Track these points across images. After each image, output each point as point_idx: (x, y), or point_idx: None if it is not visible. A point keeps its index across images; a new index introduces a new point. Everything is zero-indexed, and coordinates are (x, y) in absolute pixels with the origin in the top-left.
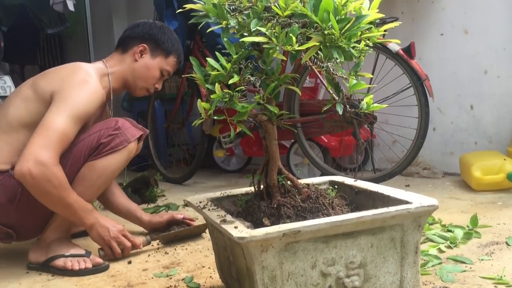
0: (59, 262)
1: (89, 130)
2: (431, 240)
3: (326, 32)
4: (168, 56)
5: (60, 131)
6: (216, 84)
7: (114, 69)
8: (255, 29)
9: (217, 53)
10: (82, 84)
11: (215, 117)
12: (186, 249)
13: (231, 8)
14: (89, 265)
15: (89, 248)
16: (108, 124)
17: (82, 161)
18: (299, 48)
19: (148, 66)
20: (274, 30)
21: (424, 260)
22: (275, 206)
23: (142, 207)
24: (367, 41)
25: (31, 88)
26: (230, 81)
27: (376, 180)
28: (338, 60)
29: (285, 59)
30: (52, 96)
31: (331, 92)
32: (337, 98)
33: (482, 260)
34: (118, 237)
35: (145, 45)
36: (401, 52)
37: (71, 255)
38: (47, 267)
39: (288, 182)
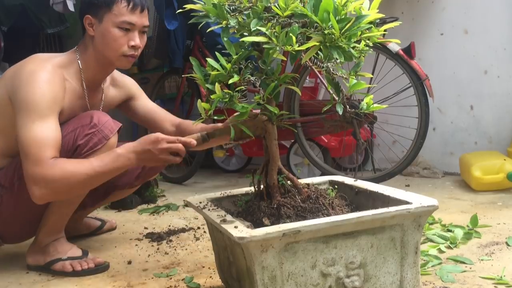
0: (58, 266)
1: (64, 128)
2: (431, 240)
3: (326, 32)
4: (112, 7)
5: (36, 141)
6: (216, 84)
7: (82, 54)
8: (255, 29)
9: (217, 53)
10: (30, 76)
11: (215, 117)
12: (186, 249)
13: (231, 8)
14: (92, 265)
15: (89, 248)
16: (83, 121)
17: None
18: (299, 48)
19: (102, 32)
20: (274, 30)
21: (424, 260)
22: (275, 206)
23: (142, 207)
24: (367, 41)
25: (2, 90)
26: (230, 81)
27: (376, 180)
28: (338, 60)
29: (285, 59)
30: (11, 100)
31: (331, 92)
32: (337, 98)
33: (482, 260)
34: (167, 149)
35: (88, 15)
36: (401, 52)
37: (69, 258)
38: (48, 270)
39: (288, 182)
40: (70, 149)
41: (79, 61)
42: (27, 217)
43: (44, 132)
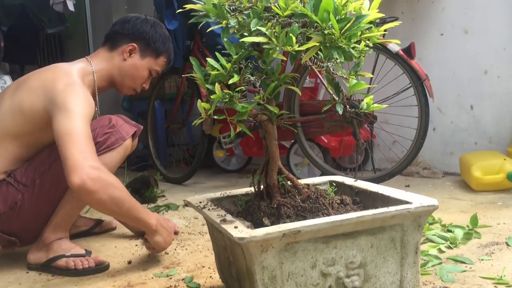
0: (61, 262)
1: None
2: (431, 240)
3: (326, 32)
4: (158, 57)
5: (84, 133)
6: (216, 84)
7: (100, 66)
8: (255, 29)
9: (217, 53)
10: (68, 88)
11: (215, 117)
12: (186, 249)
13: (231, 8)
14: (92, 264)
15: (89, 248)
16: (102, 123)
17: None
18: (299, 48)
19: (137, 66)
20: (274, 30)
21: (424, 260)
22: (275, 206)
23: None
24: (367, 41)
25: (15, 101)
26: (230, 81)
27: (376, 180)
28: (338, 60)
29: (285, 59)
30: (47, 111)
31: (331, 92)
32: (337, 98)
33: (482, 260)
34: (173, 239)
35: (135, 44)
36: (401, 52)
37: (72, 255)
38: (48, 268)
39: (288, 182)
40: None
41: (94, 74)
42: (46, 215)
43: (88, 130)
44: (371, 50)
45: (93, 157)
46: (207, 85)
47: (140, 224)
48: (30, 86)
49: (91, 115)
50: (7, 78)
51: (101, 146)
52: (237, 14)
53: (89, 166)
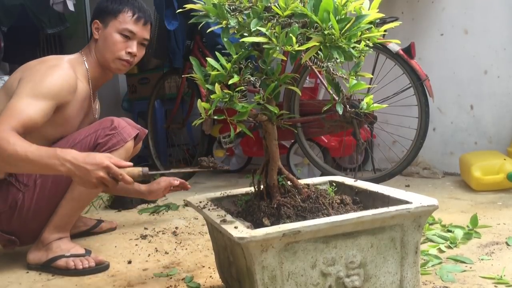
0: (61, 262)
1: (84, 131)
2: (431, 240)
3: (326, 32)
4: (118, 15)
5: (13, 110)
6: (216, 84)
7: (88, 56)
8: (255, 29)
9: (217, 53)
10: (49, 69)
11: (215, 117)
12: (186, 249)
13: (231, 8)
14: (92, 263)
15: (89, 248)
16: (104, 124)
17: None
18: (299, 48)
19: (105, 35)
20: (274, 30)
21: (424, 260)
22: (275, 206)
23: (142, 207)
24: (367, 41)
25: (7, 84)
26: (230, 81)
27: (376, 180)
28: (338, 60)
29: (285, 59)
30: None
31: (331, 92)
32: (337, 98)
33: (482, 260)
34: (103, 178)
35: (96, 20)
36: (401, 52)
37: (72, 255)
38: (48, 268)
39: (288, 182)
40: (91, 147)
41: (85, 63)
42: (46, 215)
43: (26, 108)
44: (371, 50)
45: (3, 128)
46: (207, 85)
47: (50, 173)
48: (20, 69)
49: (52, 93)
50: (7, 78)
51: (103, 148)
52: (237, 14)
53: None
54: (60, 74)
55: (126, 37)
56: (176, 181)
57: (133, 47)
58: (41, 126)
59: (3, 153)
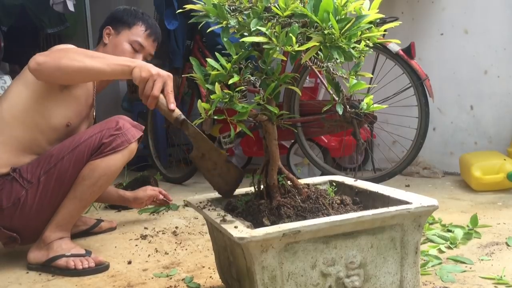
0: (61, 262)
1: (89, 131)
2: (431, 240)
3: (326, 32)
4: (132, 27)
5: (57, 47)
6: (216, 84)
7: None
8: (255, 29)
9: (217, 53)
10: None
11: (215, 117)
12: (186, 249)
13: (231, 8)
14: (92, 264)
15: (89, 248)
16: (109, 125)
17: (84, 161)
18: (299, 48)
19: (116, 43)
20: (274, 30)
21: (424, 260)
22: (275, 206)
23: None
24: (367, 41)
25: (18, 79)
26: (230, 81)
27: (376, 180)
28: (338, 60)
29: (285, 59)
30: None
31: (331, 92)
32: (337, 98)
33: (482, 260)
34: (159, 76)
35: (109, 27)
36: (401, 52)
37: (72, 255)
38: (48, 267)
39: (288, 182)
40: (96, 146)
41: None
42: (48, 213)
43: (64, 48)
44: (371, 50)
45: (47, 53)
46: (207, 85)
47: (122, 73)
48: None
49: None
50: (7, 78)
51: (107, 148)
52: (237, 14)
53: (40, 54)
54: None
55: (134, 49)
56: (161, 195)
57: (140, 59)
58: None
59: (69, 59)
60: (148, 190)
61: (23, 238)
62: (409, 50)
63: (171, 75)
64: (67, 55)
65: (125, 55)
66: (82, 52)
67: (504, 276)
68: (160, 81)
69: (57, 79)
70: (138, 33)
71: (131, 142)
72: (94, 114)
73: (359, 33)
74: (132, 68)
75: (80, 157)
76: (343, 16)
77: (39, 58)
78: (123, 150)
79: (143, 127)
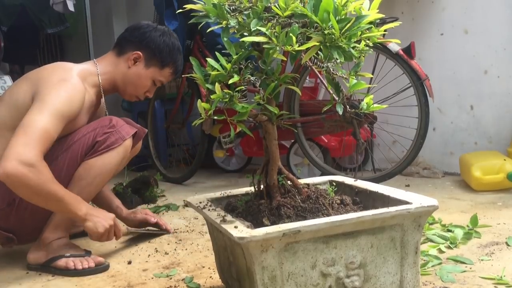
0: (61, 262)
1: (83, 129)
2: (431, 240)
3: (326, 32)
4: (164, 68)
5: (41, 129)
6: (216, 84)
7: (105, 70)
8: (255, 29)
9: (217, 53)
10: (60, 83)
11: (215, 117)
12: (186, 249)
13: (231, 8)
14: (92, 264)
15: (89, 248)
16: (102, 123)
17: (79, 161)
18: (299, 48)
19: (140, 75)
20: (274, 30)
21: (424, 260)
22: (275, 206)
23: (142, 207)
24: (367, 41)
25: (13, 93)
26: (230, 81)
27: (376, 180)
28: (338, 60)
29: (285, 59)
30: (33, 99)
31: (331, 92)
32: (337, 98)
33: (482, 260)
34: (110, 232)
35: (140, 53)
36: (401, 52)
37: (72, 256)
38: (48, 268)
39: (288, 182)
40: (90, 145)
41: (99, 75)
42: (44, 213)
43: (51, 128)
44: (371, 50)
45: (34, 153)
46: (207, 85)
47: (69, 214)
48: (28, 78)
49: (68, 113)
50: (7, 78)
51: (101, 146)
52: (237, 14)
53: (21, 160)
54: (71, 91)
55: (155, 84)
56: (153, 219)
57: (153, 93)
58: None
59: (46, 183)
60: (138, 215)
61: (20, 238)
62: (409, 50)
63: (113, 215)
64: (40, 178)
65: (144, 89)
66: (49, 180)
67: (504, 276)
68: (112, 230)
69: (21, 195)
70: (166, 74)
71: (125, 139)
72: (107, 112)
73: (359, 33)
74: (84, 220)
75: (74, 156)
76: (343, 16)
77: (10, 167)
78: (118, 148)
79: (146, 130)
